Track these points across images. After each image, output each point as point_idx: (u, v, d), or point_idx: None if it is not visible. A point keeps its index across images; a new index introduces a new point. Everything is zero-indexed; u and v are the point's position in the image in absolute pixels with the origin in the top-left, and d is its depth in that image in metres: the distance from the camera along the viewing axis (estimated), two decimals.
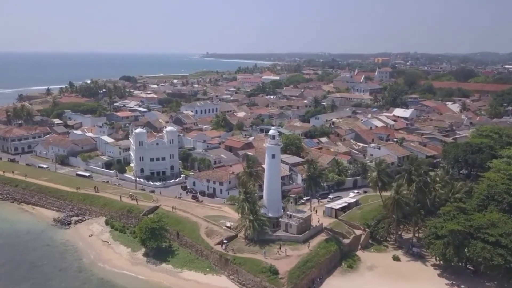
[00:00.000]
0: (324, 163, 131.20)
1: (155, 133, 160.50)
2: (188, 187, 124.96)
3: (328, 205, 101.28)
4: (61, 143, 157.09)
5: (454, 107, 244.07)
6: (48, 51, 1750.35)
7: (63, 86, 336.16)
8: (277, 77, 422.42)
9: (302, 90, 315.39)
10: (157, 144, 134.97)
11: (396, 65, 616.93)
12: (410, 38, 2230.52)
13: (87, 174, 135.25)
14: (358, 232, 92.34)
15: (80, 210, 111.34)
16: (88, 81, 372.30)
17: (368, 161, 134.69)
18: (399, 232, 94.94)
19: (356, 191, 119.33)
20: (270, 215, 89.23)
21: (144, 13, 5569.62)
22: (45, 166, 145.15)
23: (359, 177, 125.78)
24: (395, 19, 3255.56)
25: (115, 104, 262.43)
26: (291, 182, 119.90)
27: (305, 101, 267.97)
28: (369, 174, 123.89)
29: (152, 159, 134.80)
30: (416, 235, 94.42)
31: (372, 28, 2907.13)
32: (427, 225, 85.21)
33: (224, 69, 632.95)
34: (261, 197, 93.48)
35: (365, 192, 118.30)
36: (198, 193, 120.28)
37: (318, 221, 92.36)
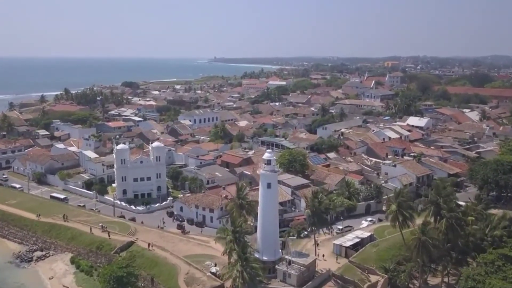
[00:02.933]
0: (332, 184, 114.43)
1: (142, 149, 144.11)
2: (174, 213, 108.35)
3: (337, 241, 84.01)
4: (39, 158, 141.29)
5: (473, 115, 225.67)
6: (56, 56, 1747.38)
7: (58, 93, 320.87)
8: (284, 82, 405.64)
9: (309, 96, 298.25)
10: (141, 162, 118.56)
11: (407, 69, 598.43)
12: (419, 41, 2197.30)
13: (61, 196, 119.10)
14: (373, 278, 74.97)
15: (44, 243, 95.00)
16: (82, 88, 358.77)
17: (383, 181, 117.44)
18: (424, 276, 77.38)
19: (369, 218, 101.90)
20: (264, 258, 72.37)
21: (153, 18, 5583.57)
22: (18, 186, 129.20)
23: (372, 201, 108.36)
24: (403, 22, 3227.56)
25: (110, 112, 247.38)
26: (293, 208, 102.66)
27: (312, 108, 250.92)
28: (384, 197, 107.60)
29: (135, 179, 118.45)
30: (445, 280, 76.97)
31: (381, 32, 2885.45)
32: (462, 275, 67.66)
33: (230, 74, 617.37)
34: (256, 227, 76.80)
35: (380, 220, 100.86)
36: (186, 221, 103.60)
37: (323, 257, 75.59)
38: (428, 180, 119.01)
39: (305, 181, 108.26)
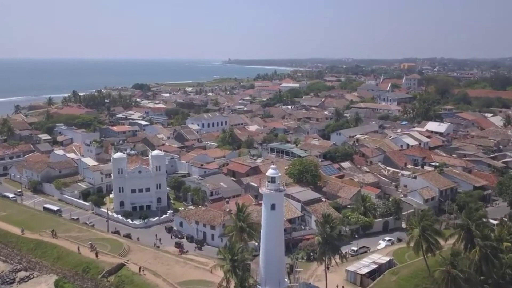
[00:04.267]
0: (346, 197, 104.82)
1: (146, 155, 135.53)
2: (174, 228, 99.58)
3: (351, 267, 74.25)
4: (35, 166, 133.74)
5: (496, 120, 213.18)
6: (70, 57, 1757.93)
7: (66, 95, 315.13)
8: (297, 85, 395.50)
9: (322, 99, 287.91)
10: (139, 172, 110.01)
11: (423, 71, 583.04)
12: (435, 43, 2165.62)
13: (55, 208, 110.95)
14: None
15: (29, 263, 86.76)
16: (94, 90, 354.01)
17: (402, 195, 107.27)
18: None
19: (387, 238, 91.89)
20: None
21: (168, 20, 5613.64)
22: (10, 195, 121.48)
23: (391, 217, 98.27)
24: (419, 23, 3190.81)
25: (117, 115, 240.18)
26: (302, 226, 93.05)
27: (326, 112, 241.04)
28: (404, 213, 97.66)
29: (133, 191, 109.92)
30: None
31: (396, 33, 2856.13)
32: None
33: (244, 75, 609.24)
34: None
35: (399, 240, 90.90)
36: (185, 238, 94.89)
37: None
38: (452, 194, 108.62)
39: (316, 195, 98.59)
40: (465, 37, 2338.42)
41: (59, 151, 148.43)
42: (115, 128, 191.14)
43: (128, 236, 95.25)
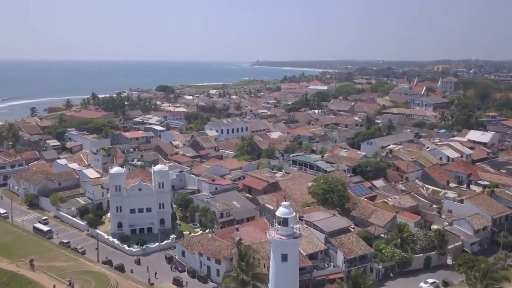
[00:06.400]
0: (379, 224, 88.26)
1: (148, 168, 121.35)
2: (174, 258, 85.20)
3: None
4: (32, 177, 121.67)
5: None
6: (104, 59, 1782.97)
7: (85, 97, 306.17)
8: (325, 87, 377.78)
9: (352, 104, 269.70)
10: (139, 189, 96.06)
11: (458, 74, 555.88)
12: (469, 44, 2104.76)
13: (45, 228, 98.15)
14: None
15: None
16: (118, 91, 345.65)
17: (446, 223, 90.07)
18: None
19: (431, 280, 75.02)
20: None
21: (199, 21, 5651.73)
22: (2, 211, 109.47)
23: (433, 252, 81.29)
24: (452, 23, 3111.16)
25: (134, 119, 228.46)
26: (326, 263, 76.84)
27: (356, 118, 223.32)
28: (450, 246, 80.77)
29: (133, 211, 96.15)
30: None
31: (428, 33, 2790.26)
32: None
33: (271, 77, 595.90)
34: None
35: (446, 284, 74.10)
36: (187, 271, 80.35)
37: None
38: (508, 223, 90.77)
39: (343, 223, 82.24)
40: (502, 38, 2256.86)
41: (62, 160, 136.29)
42: (127, 134, 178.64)
43: (120, 267, 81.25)
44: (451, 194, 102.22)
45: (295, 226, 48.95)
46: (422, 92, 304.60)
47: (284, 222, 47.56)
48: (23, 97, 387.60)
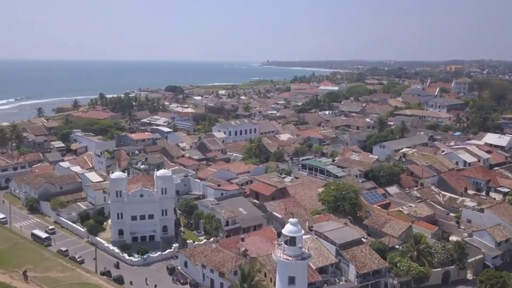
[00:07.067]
0: (393, 234, 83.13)
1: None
2: (177, 269, 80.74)
3: None
4: (33, 181, 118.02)
5: None
6: (116, 59, 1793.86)
7: (93, 97, 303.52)
8: (336, 88, 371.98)
9: (363, 105, 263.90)
10: (141, 195, 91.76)
11: (472, 74, 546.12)
12: (482, 44, 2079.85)
13: (43, 235, 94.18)
14: None
15: None
16: (127, 91, 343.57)
17: (465, 234, 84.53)
18: None
19: None
20: None
21: (209, 21, 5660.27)
22: (1, 216, 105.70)
23: (452, 266, 75.84)
24: (464, 22, 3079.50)
25: (141, 120, 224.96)
26: (337, 278, 71.70)
27: (367, 120, 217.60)
28: (470, 260, 75.35)
29: (134, 218, 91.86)
30: None
31: (440, 33, 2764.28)
32: None
33: (281, 77, 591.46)
34: None
35: None
36: (189, 284, 75.84)
37: None
38: None
39: (356, 235, 77.07)
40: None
41: (65, 163, 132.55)
42: (133, 136, 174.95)
43: (119, 279, 76.95)
44: (470, 202, 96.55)
45: (302, 246, 44.02)
46: (436, 93, 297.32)
47: (291, 241, 42.75)
48: (34, 97, 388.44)
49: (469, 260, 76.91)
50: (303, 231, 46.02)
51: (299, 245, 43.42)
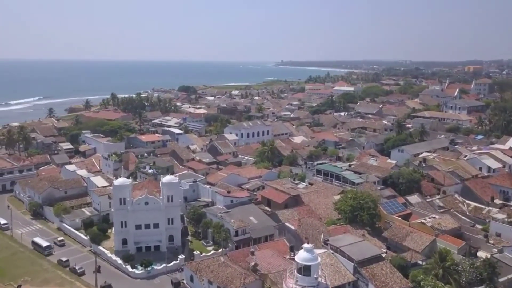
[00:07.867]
0: (416, 249, 76.74)
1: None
2: (182, 283, 75.43)
3: None
4: (38, 184, 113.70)
5: None
6: (131, 59, 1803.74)
7: (105, 97, 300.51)
8: (351, 88, 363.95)
9: (380, 106, 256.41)
10: (146, 203, 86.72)
11: (491, 75, 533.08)
12: (500, 43, 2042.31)
13: (44, 244, 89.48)
14: None
15: None
16: (141, 91, 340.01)
17: (495, 249, 77.71)
18: None
19: None
20: None
21: (224, 22, 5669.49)
22: (3, 221, 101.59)
23: (482, 286, 69.17)
24: (482, 21, 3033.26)
25: (152, 121, 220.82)
26: None
27: (385, 122, 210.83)
28: (502, 279, 68.69)
29: (138, 226, 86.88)
30: None
31: (457, 33, 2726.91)
32: None
33: (296, 77, 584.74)
34: None
35: None
36: None
37: None
38: None
39: (375, 250, 70.68)
40: None
41: (71, 166, 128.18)
42: (143, 138, 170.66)
43: None
44: (499, 214, 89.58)
45: (319, 276, 38.17)
46: (455, 94, 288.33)
47: (305, 270, 37.10)
48: (50, 97, 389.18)
49: (501, 280, 70.11)
50: (319, 259, 40.18)
51: (315, 276, 37.68)
